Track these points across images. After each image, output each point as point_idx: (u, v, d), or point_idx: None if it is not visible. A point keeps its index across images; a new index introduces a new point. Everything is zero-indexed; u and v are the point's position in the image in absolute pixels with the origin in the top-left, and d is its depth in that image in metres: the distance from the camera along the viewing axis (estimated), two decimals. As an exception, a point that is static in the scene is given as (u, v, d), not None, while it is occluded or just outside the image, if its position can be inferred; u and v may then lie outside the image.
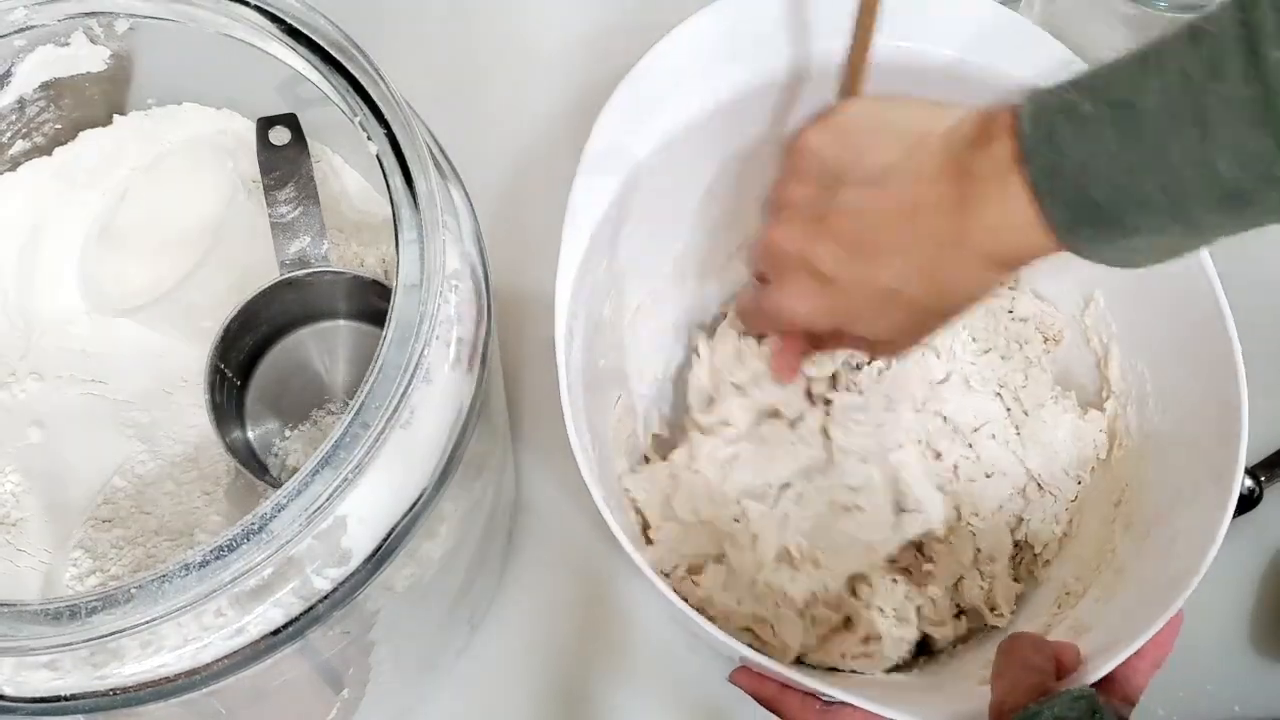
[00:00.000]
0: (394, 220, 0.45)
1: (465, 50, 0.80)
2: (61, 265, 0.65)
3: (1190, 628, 0.53)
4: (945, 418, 0.65)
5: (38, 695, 0.42)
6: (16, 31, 0.51)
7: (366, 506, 0.44)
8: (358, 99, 0.47)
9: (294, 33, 0.48)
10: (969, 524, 0.64)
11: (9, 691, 0.42)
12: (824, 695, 0.53)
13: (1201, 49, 0.37)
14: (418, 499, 0.45)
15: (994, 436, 0.65)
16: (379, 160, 0.47)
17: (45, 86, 0.62)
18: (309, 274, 0.61)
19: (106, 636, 0.40)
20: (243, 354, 0.62)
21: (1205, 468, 0.56)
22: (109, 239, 0.64)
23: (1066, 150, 0.40)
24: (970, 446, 0.65)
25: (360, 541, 0.44)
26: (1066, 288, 0.66)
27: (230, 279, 0.62)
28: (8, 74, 0.60)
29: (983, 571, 0.64)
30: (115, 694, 0.42)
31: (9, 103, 0.62)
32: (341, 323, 0.64)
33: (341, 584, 0.44)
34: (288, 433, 0.62)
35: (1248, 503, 0.69)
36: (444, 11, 0.81)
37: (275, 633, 0.43)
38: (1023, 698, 0.47)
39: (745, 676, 0.56)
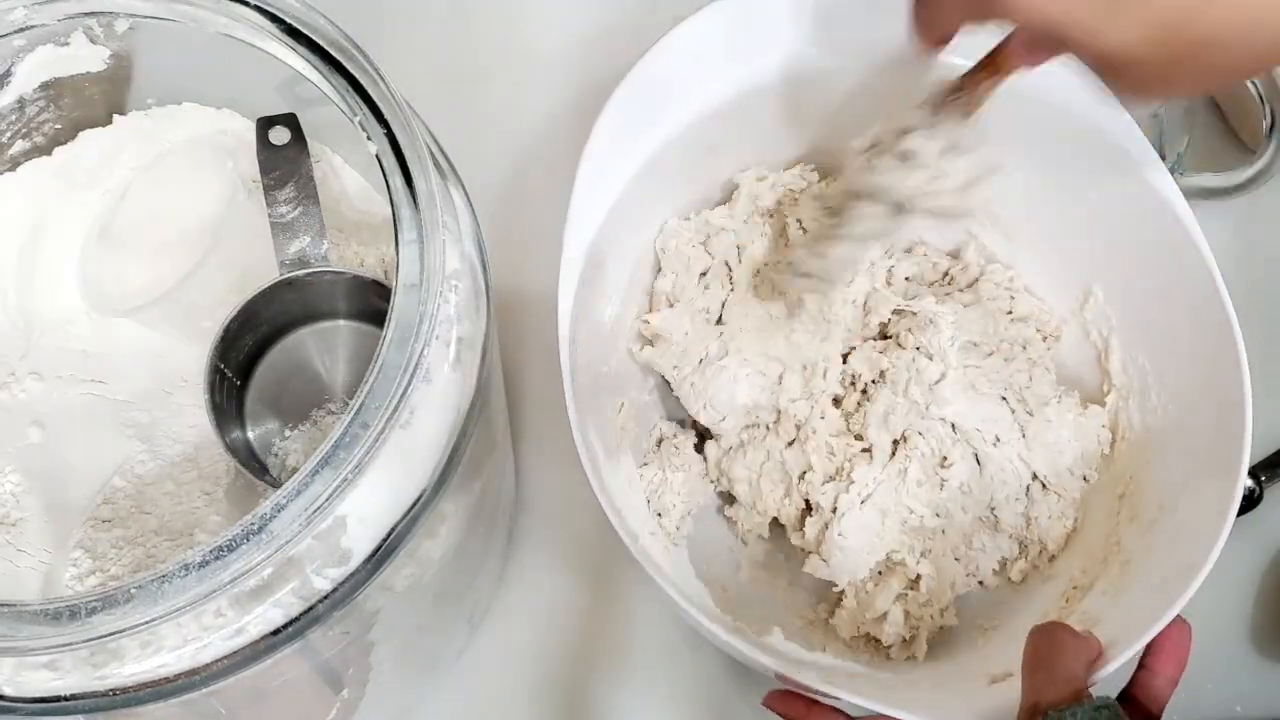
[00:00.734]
0: (394, 220, 0.46)
1: (465, 50, 0.80)
2: (61, 265, 0.65)
3: (1190, 627, 0.53)
4: (953, 425, 0.65)
5: (38, 695, 0.42)
6: (16, 31, 0.51)
7: (366, 506, 0.44)
8: (357, 99, 0.47)
9: (294, 33, 0.48)
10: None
11: (9, 691, 0.42)
12: (851, 711, 0.53)
13: None
14: (418, 499, 0.45)
15: (999, 439, 0.64)
16: (379, 160, 0.47)
17: (45, 86, 0.62)
18: (309, 274, 0.61)
19: (106, 636, 0.40)
20: (243, 354, 0.62)
21: (1209, 458, 0.56)
22: (109, 239, 0.64)
23: None
24: (975, 455, 0.65)
25: (360, 541, 0.44)
26: (1064, 283, 0.66)
27: (230, 279, 0.62)
28: (7, 74, 0.60)
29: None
30: (115, 694, 0.42)
31: (9, 103, 0.62)
32: (341, 323, 0.64)
33: (341, 584, 0.44)
34: (288, 433, 0.62)
35: (1248, 503, 0.69)
36: (444, 11, 0.81)
37: (275, 633, 0.43)
38: (1059, 696, 0.47)
39: (777, 700, 0.55)
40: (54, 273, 0.65)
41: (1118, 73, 0.41)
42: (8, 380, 0.63)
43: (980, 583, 0.65)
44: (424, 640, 0.61)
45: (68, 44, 0.61)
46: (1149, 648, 0.52)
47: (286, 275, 0.61)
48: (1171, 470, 0.59)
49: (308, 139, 0.64)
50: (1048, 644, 0.49)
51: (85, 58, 0.62)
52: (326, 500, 0.41)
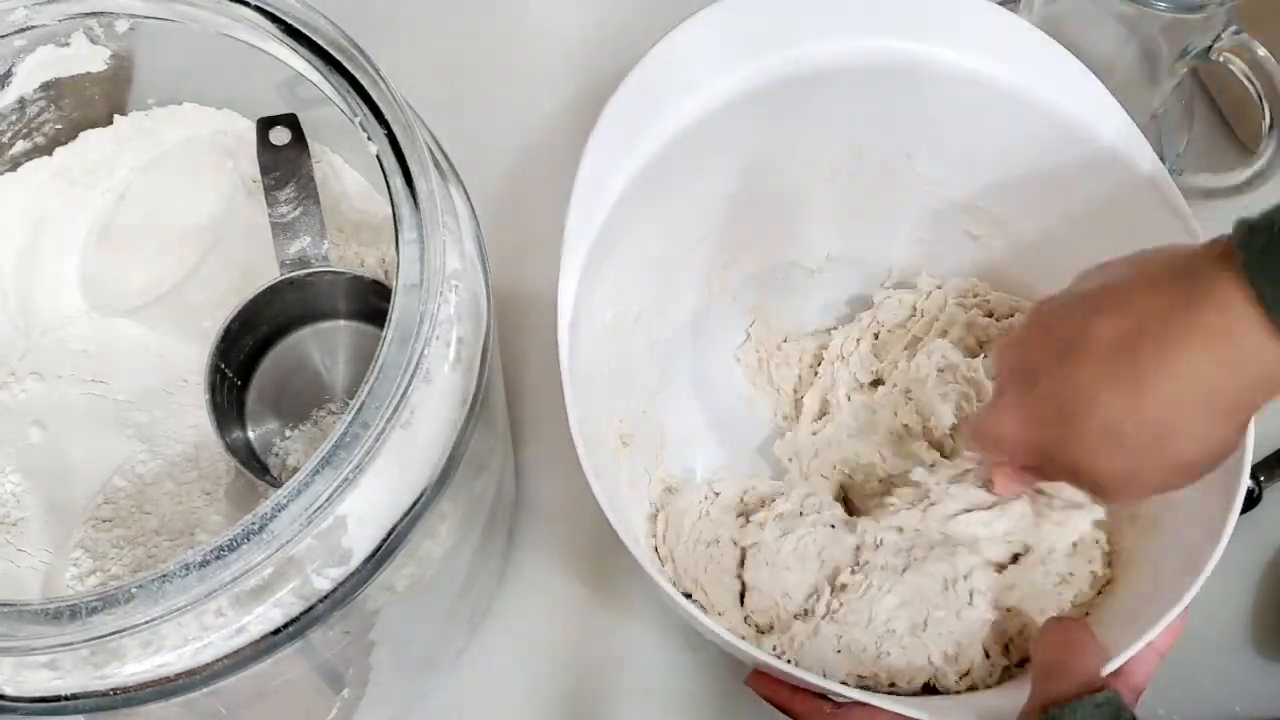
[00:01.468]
0: (394, 220, 0.46)
1: (465, 50, 0.80)
2: (61, 265, 0.65)
3: (1190, 627, 0.53)
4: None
5: (38, 695, 0.42)
6: (17, 31, 0.51)
7: (367, 506, 0.44)
8: (358, 99, 0.47)
9: (294, 33, 0.48)
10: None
11: (9, 691, 0.42)
12: (835, 697, 0.53)
13: None
14: (418, 499, 0.45)
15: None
16: (379, 160, 0.47)
17: (45, 86, 0.62)
18: (309, 274, 0.61)
19: (107, 636, 0.40)
20: (243, 354, 0.62)
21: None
22: (109, 239, 0.64)
23: None
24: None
25: (360, 541, 0.44)
26: (1064, 284, 0.66)
27: (230, 279, 0.63)
28: (8, 74, 0.60)
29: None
30: (115, 694, 0.42)
31: (9, 103, 0.62)
32: (341, 323, 0.64)
33: (341, 584, 0.44)
34: (288, 433, 0.62)
35: (1248, 503, 0.69)
36: (444, 11, 0.81)
37: (275, 633, 0.43)
38: (1069, 693, 0.46)
39: (760, 681, 0.55)
40: (54, 273, 0.65)
41: (1101, 491, 0.47)
42: (8, 380, 0.63)
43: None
44: (424, 640, 0.61)
45: (68, 44, 0.61)
46: None
47: (287, 275, 0.61)
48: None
49: (308, 139, 0.64)
50: (1064, 642, 0.49)
51: (86, 58, 0.62)
52: (327, 500, 0.41)
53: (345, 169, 0.68)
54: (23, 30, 0.51)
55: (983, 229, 0.67)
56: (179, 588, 0.40)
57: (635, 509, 0.64)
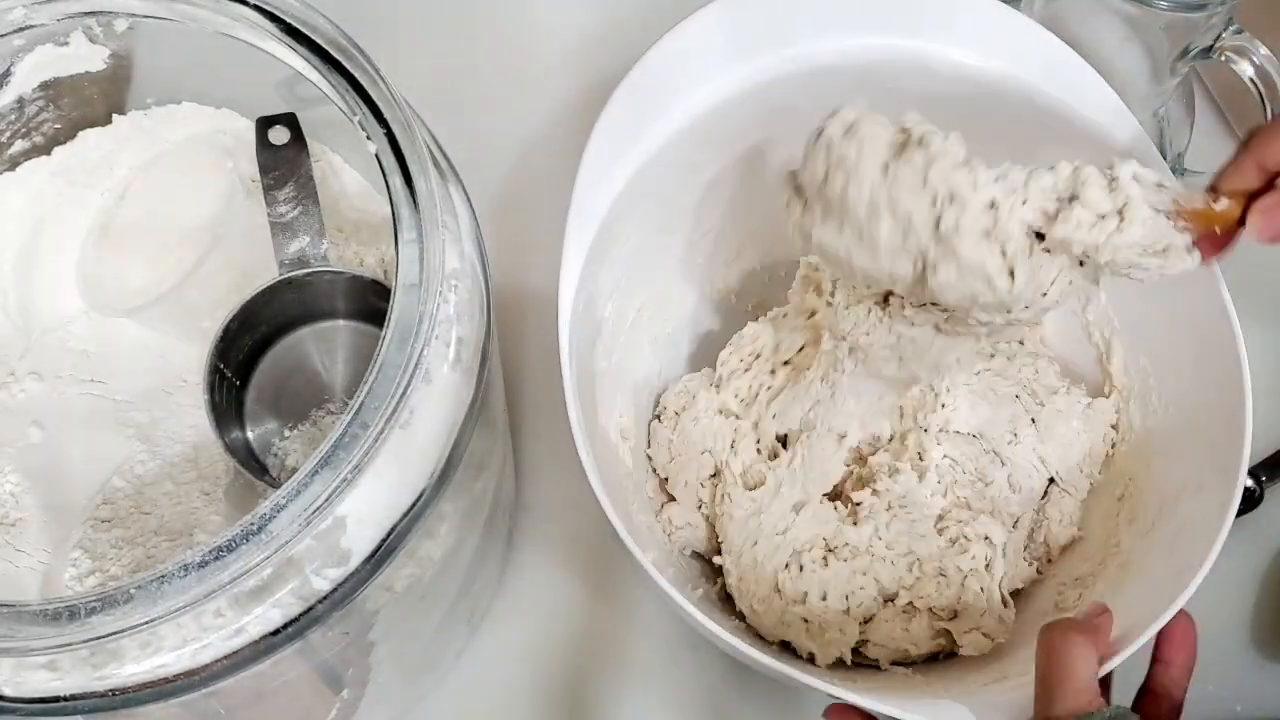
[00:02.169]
0: (394, 220, 0.45)
1: (465, 50, 0.80)
2: (61, 265, 0.65)
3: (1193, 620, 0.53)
4: (976, 435, 0.64)
5: (37, 695, 0.42)
6: (15, 31, 0.51)
7: (366, 507, 0.44)
8: (357, 98, 0.47)
9: (293, 32, 0.48)
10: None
11: (9, 692, 0.42)
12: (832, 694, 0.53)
13: None
14: (417, 499, 0.45)
15: (1015, 435, 0.64)
16: (378, 160, 0.47)
17: (44, 86, 0.62)
18: (308, 274, 0.61)
19: (105, 637, 0.40)
20: (242, 354, 0.62)
21: (1209, 461, 0.56)
22: (109, 239, 0.64)
23: None
24: (1002, 463, 0.64)
25: (360, 542, 0.44)
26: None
27: (230, 279, 0.62)
28: (7, 73, 0.60)
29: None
30: (115, 694, 0.42)
31: (8, 102, 0.62)
32: (341, 323, 0.64)
33: (341, 584, 0.44)
34: (287, 433, 0.62)
35: (1248, 503, 0.69)
36: (444, 11, 0.81)
37: (275, 633, 0.43)
38: (1073, 706, 0.46)
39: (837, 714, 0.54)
40: (54, 272, 0.65)
41: None
42: (7, 380, 0.63)
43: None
44: (424, 640, 0.61)
45: (67, 44, 0.61)
46: (1158, 643, 0.52)
47: (286, 275, 0.61)
48: (1171, 471, 0.59)
49: (307, 139, 0.64)
50: (1059, 651, 0.49)
51: (85, 57, 0.62)
52: (326, 500, 0.41)
53: (344, 168, 0.68)
54: (21, 29, 0.51)
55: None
56: (178, 588, 0.40)
57: (636, 505, 0.64)
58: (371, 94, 0.47)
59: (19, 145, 0.65)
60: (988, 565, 0.61)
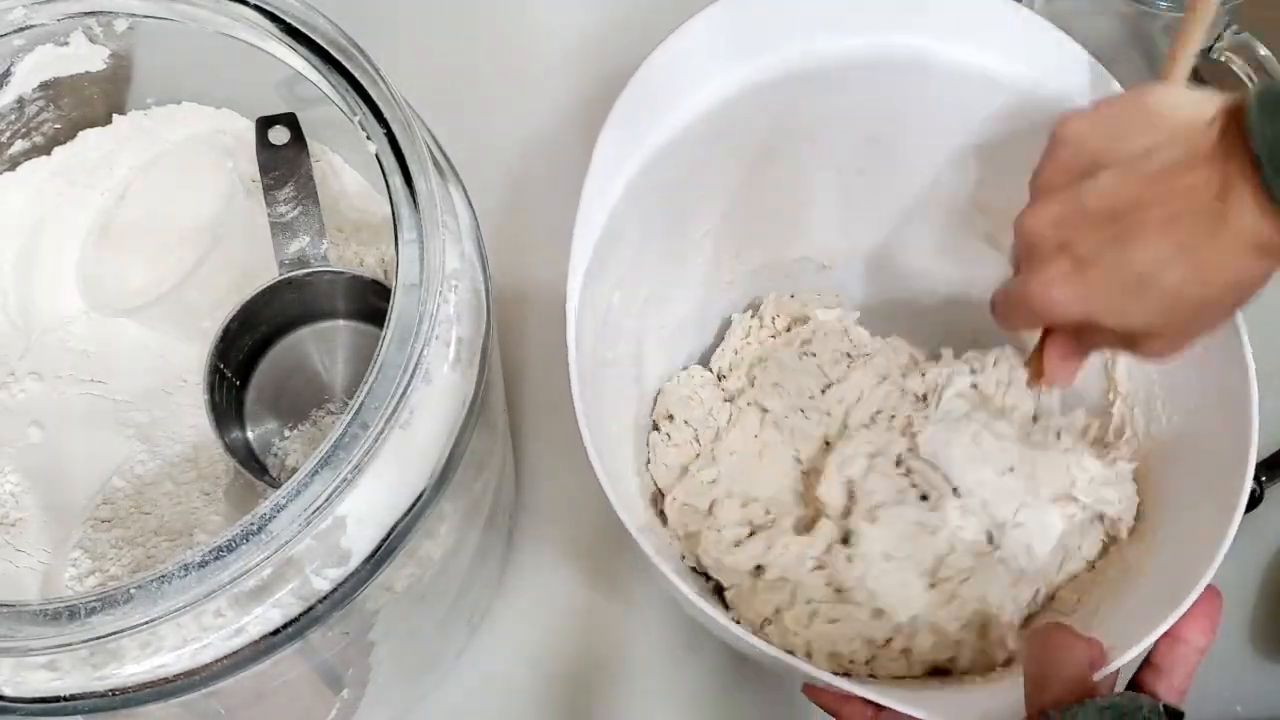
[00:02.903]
0: (394, 220, 0.45)
1: (466, 49, 0.80)
2: (61, 265, 0.65)
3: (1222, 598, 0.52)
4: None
5: (37, 695, 0.42)
6: (16, 31, 0.51)
7: (366, 507, 0.44)
8: (357, 98, 0.47)
9: (293, 32, 0.48)
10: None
11: (9, 692, 0.42)
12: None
13: None
14: (417, 499, 0.45)
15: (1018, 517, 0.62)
16: (378, 160, 0.47)
17: (44, 86, 0.62)
18: (308, 274, 0.61)
19: (106, 637, 0.40)
20: (242, 354, 0.62)
21: (1213, 467, 0.56)
22: (108, 239, 0.64)
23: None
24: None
25: (360, 542, 0.44)
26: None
27: (230, 279, 0.62)
28: (7, 73, 0.60)
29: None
30: (115, 694, 0.42)
31: (8, 102, 0.62)
32: (341, 323, 0.64)
33: (341, 584, 0.44)
34: (287, 433, 0.62)
35: (1250, 503, 0.69)
36: (444, 11, 0.81)
37: (275, 633, 0.43)
38: (1063, 696, 0.46)
39: (813, 692, 0.54)
40: (54, 272, 0.65)
41: (1137, 344, 0.50)
42: (7, 380, 0.63)
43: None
44: (424, 640, 0.61)
45: (67, 44, 0.61)
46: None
47: (286, 275, 0.61)
48: (1175, 478, 0.59)
49: (307, 139, 0.64)
50: (1046, 646, 0.49)
51: (85, 57, 0.62)
52: (326, 500, 0.41)
53: (344, 168, 0.68)
54: (21, 29, 0.51)
55: (991, 227, 0.67)
56: (178, 588, 0.40)
57: (638, 498, 0.64)
58: (371, 94, 0.47)
59: (19, 145, 0.65)
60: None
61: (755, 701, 0.66)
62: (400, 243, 0.45)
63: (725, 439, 0.65)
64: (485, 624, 0.67)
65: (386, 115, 0.47)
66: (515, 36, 0.81)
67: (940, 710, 0.50)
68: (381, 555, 0.45)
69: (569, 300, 0.54)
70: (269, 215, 0.62)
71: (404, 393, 0.43)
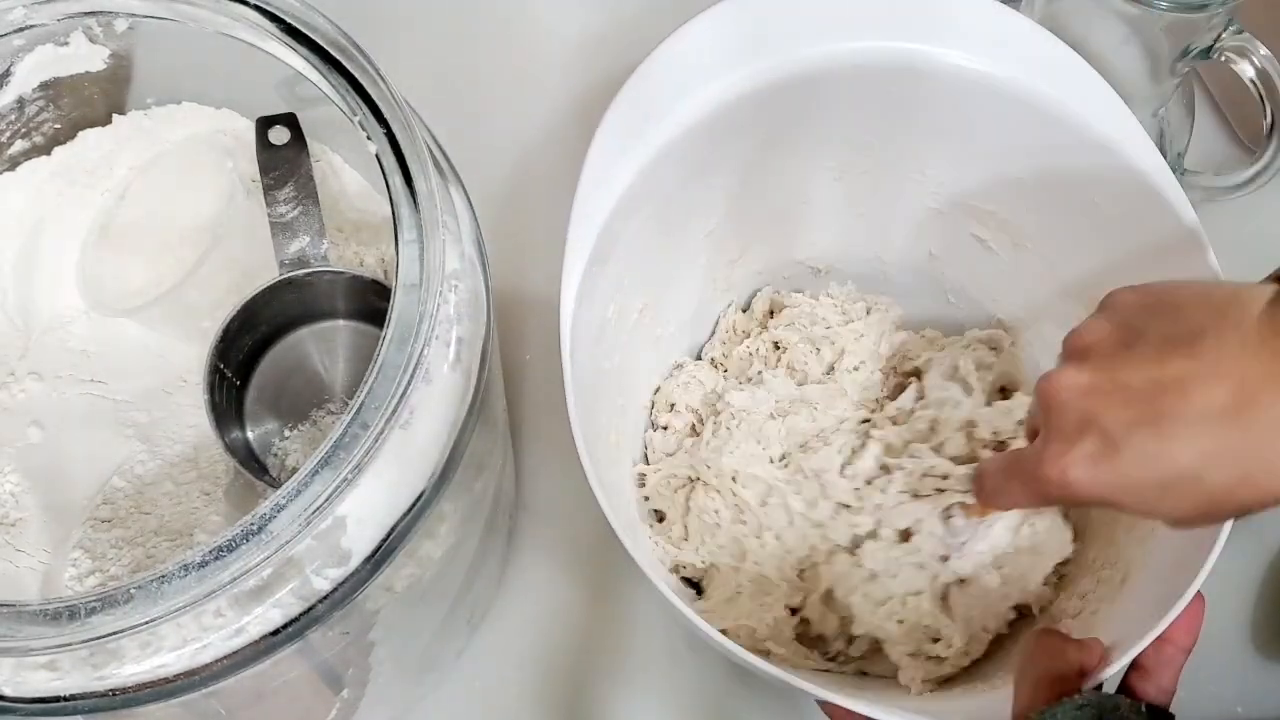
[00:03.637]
0: (394, 220, 0.45)
1: (466, 50, 0.80)
2: (61, 265, 0.65)
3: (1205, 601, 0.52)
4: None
5: (37, 695, 0.42)
6: (15, 31, 0.51)
7: (366, 507, 0.44)
8: (357, 98, 0.47)
9: (293, 32, 0.48)
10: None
11: (8, 691, 0.42)
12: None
13: None
14: (417, 499, 0.45)
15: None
16: (379, 160, 0.47)
17: (44, 86, 0.62)
18: (308, 274, 0.61)
19: (106, 637, 0.40)
20: (242, 354, 0.62)
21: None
22: (108, 238, 0.64)
23: None
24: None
25: (360, 542, 0.44)
26: (1068, 286, 0.66)
27: (230, 279, 0.62)
28: (7, 73, 0.60)
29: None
30: (115, 694, 0.42)
31: (8, 102, 0.62)
32: (341, 323, 0.64)
33: (341, 584, 0.44)
34: (287, 433, 0.62)
35: (1248, 503, 0.69)
36: (444, 11, 0.81)
37: (275, 633, 0.43)
38: (1044, 698, 0.46)
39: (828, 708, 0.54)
40: (54, 272, 0.65)
41: (1157, 518, 0.45)
42: (7, 380, 0.63)
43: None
44: (424, 640, 0.61)
45: (67, 43, 0.61)
46: None
47: (286, 275, 0.61)
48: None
49: (307, 139, 0.64)
50: (1034, 650, 0.49)
51: (84, 57, 0.62)
52: (326, 500, 0.41)
53: (344, 168, 0.68)
54: (21, 29, 0.51)
55: (990, 233, 0.67)
56: (178, 588, 0.40)
57: (634, 508, 0.64)
58: (371, 94, 0.47)
59: (19, 145, 0.65)
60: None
61: (755, 702, 0.66)
62: (400, 243, 0.45)
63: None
64: (485, 624, 0.67)
65: (386, 115, 0.47)
66: (515, 36, 0.81)
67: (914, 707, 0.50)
68: (381, 555, 0.45)
69: (563, 313, 0.54)
70: (269, 215, 0.62)
71: (404, 393, 0.43)
